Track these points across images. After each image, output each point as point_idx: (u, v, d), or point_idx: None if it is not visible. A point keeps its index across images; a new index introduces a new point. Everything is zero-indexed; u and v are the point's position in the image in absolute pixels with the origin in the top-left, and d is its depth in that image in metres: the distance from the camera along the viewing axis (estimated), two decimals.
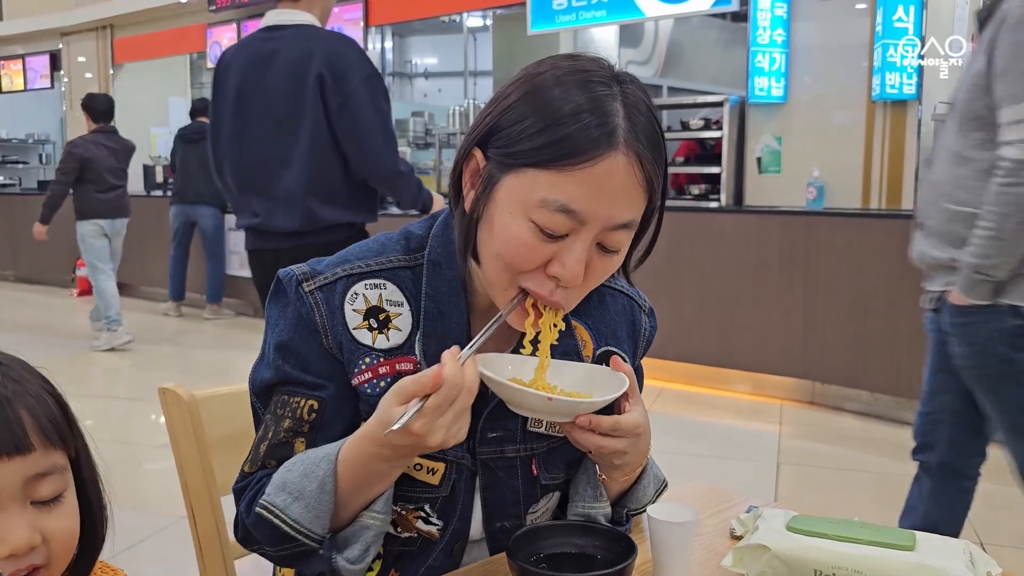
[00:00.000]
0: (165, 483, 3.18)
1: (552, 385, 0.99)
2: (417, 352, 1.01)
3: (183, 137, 6.91)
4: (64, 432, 0.74)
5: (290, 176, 2.68)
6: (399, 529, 1.05)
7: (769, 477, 3.54)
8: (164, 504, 3.02)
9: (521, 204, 0.91)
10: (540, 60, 0.96)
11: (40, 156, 11.93)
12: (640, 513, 1.13)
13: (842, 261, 4.36)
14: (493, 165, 0.94)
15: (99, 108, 6.00)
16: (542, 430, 1.07)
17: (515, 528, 1.06)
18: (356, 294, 1.01)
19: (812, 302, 4.48)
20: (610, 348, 1.12)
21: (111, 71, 9.39)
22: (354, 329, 1.00)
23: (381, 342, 1.00)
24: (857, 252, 4.31)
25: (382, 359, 1.00)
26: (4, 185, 10.49)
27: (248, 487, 1.03)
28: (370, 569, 1.06)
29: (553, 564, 0.96)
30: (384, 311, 1.01)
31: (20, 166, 11.72)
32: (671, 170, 4.88)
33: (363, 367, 1.00)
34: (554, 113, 0.89)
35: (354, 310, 1.01)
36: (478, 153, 0.96)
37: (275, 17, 2.77)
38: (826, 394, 4.56)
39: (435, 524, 1.04)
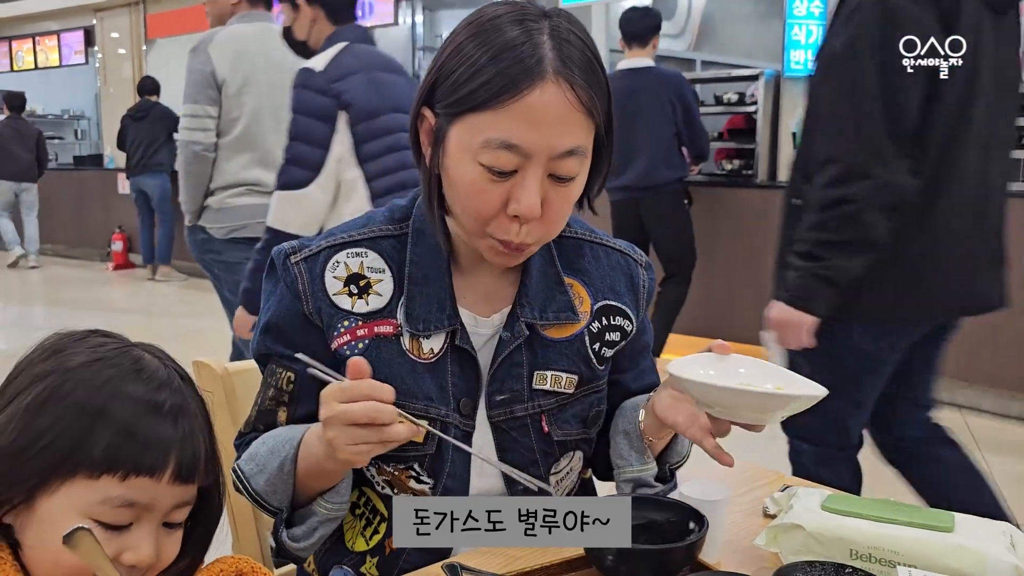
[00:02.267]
0: None
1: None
2: (399, 315, 1.04)
3: (131, 116, 7.62)
4: (213, 468, 0.81)
5: None
6: (395, 490, 1.08)
7: None
8: None
9: (468, 150, 0.94)
10: (471, 12, 0.98)
11: (75, 132, 12.07)
12: (680, 466, 1.15)
13: None
14: (441, 119, 0.97)
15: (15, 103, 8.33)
16: (547, 387, 1.08)
17: (539, 489, 1.07)
18: (338, 262, 1.06)
19: None
20: (609, 302, 1.13)
21: (144, 47, 9.45)
22: (334, 295, 1.05)
23: (360, 307, 1.05)
24: None
25: (360, 322, 1.04)
26: (63, 164, 10.63)
27: (242, 446, 1.10)
28: (376, 532, 1.09)
29: None
30: (365, 278, 1.06)
31: (56, 141, 11.85)
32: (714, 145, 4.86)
33: (342, 330, 1.04)
34: (481, 56, 0.92)
35: (335, 277, 1.05)
36: (427, 112, 0.99)
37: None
38: None
39: (426, 483, 1.07)
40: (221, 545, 0.94)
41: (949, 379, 4.12)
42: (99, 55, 9.99)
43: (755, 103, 5.07)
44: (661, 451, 1.13)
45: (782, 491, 1.13)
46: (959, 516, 0.97)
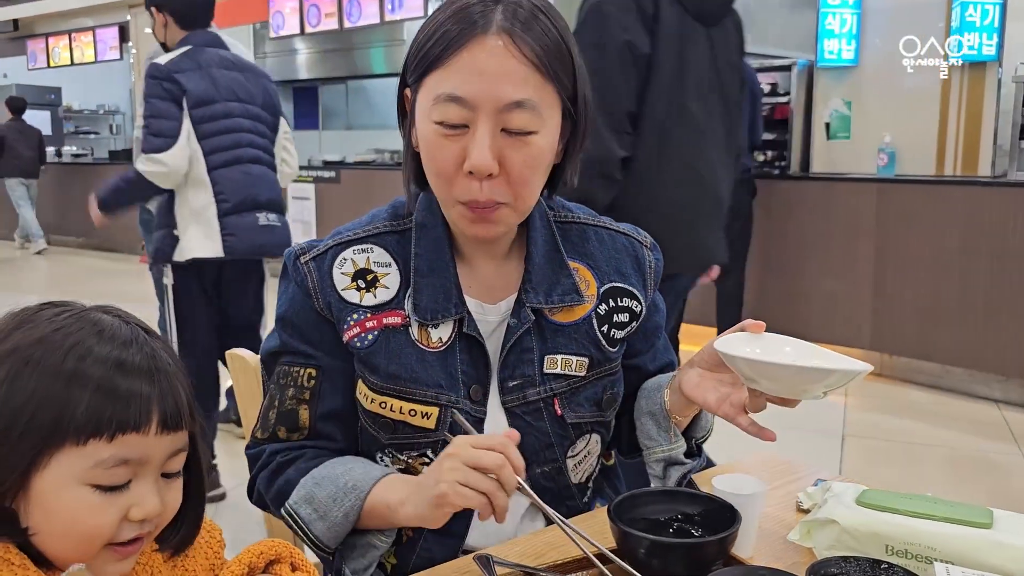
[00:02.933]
0: (232, 446, 3.28)
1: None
2: (407, 307, 1.06)
3: None
4: (195, 412, 0.79)
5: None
6: None
7: (834, 450, 3.47)
8: (230, 465, 3.10)
9: (425, 111, 0.97)
10: None
11: (111, 127, 12.21)
12: (705, 440, 1.16)
13: (913, 229, 4.22)
14: (412, 93, 1.02)
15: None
16: (558, 370, 1.09)
17: (555, 472, 1.09)
18: (344, 259, 1.08)
19: (882, 272, 4.36)
20: (616, 284, 1.13)
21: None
22: (342, 290, 1.07)
23: (368, 300, 1.06)
24: (930, 220, 4.17)
25: (369, 314, 1.06)
26: (76, 155, 10.79)
27: (261, 455, 1.10)
28: None
29: (656, 529, 0.95)
30: (372, 272, 1.07)
31: (91, 136, 12.02)
32: None
33: (352, 323, 1.06)
34: (429, 26, 0.98)
35: (342, 273, 1.07)
36: (407, 92, 1.04)
37: None
38: (895, 366, 4.45)
39: None
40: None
41: (985, 373, 4.06)
42: (133, 51, 10.11)
43: (788, 93, 5.01)
44: (686, 427, 1.14)
45: (816, 485, 1.12)
46: (998, 512, 0.95)
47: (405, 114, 1.05)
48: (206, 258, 2.67)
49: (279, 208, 2.82)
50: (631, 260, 1.16)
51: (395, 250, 1.09)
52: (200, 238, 2.66)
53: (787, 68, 5.07)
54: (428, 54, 0.96)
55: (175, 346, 2.34)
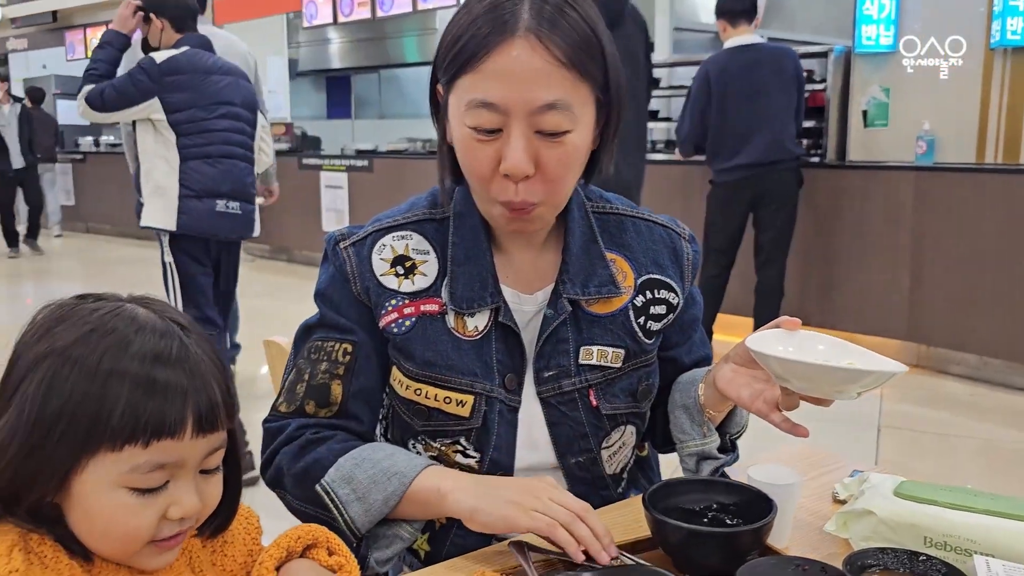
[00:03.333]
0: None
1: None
2: (444, 295, 1.06)
3: None
4: (232, 407, 0.79)
5: None
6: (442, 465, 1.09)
7: (869, 441, 3.44)
8: None
9: (458, 115, 0.97)
10: None
11: None
12: (739, 436, 1.16)
13: (952, 218, 4.15)
14: (444, 91, 1.01)
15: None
16: (593, 361, 1.09)
17: (589, 463, 1.09)
18: (384, 245, 1.09)
19: (919, 261, 4.29)
20: (653, 276, 1.13)
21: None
22: (381, 275, 1.07)
23: (407, 286, 1.07)
24: (969, 209, 4.09)
25: (407, 301, 1.06)
26: (115, 145, 10.94)
27: (285, 429, 1.08)
28: None
29: (689, 519, 0.95)
30: (410, 259, 1.08)
31: None
32: None
33: (389, 308, 1.07)
34: (460, 23, 0.96)
35: (381, 259, 1.08)
36: (439, 87, 1.03)
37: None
38: (931, 357, 4.38)
39: (472, 456, 1.08)
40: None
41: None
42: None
43: (824, 80, 4.93)
44: (720, 422, 1.13)
45: (852, 476, 1.11)
46: None
47: (438, 106, 1.05)
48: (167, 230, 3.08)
49: (244, 197, 3.16)
50: (669, 252, 1.15)
51: (433, 237, 1.09)
52: (159, 210, 3.05)
53: (823, 55, 4.99)
54: (458, 56, 0.95)
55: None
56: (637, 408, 1.13)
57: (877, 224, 4.42)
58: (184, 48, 3.05)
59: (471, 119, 0.95)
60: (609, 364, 1.10)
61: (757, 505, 0.94)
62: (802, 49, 5.43)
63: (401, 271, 1.08)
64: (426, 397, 1.06)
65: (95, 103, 3.05)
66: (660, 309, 1.13)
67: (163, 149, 3.04)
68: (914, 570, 0.87)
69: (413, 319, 1.06)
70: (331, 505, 1.02)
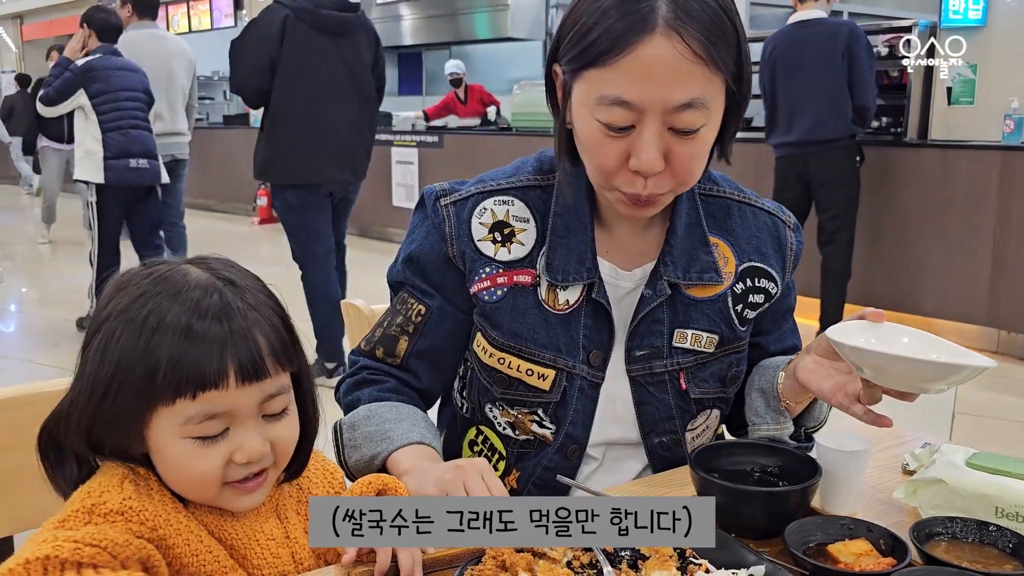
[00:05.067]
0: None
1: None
2: (539, 266, 1.06)
3: None
4: (291, 354, 0.83)
5: None
6: (517, 432, 1.11)
7: (943, 427, 3.36)
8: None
9: (587, 106, 0.95)
10: None
11: (224, 92, 12.64)
12: (816, 430, 1.14)
13: None
14: (566, 75, 0.98)
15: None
16: (687, 345, 1.08)
17: (673, 444, 1.10)
18: (485, 209, 1.09)
19: (1003, 244, 4.15)
20: (755, 264, 1.12)
21: None
22: (479, 240, 1.08)
23: (502, 254, 1.07)
24: None
25: (501, 270, 1.07)
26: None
27: (356, 363, 1.16)
28: (495, 469, 1.12)
29: (735, 480, 0.97)
30: (509, 226, 1.08)
31: (207, 102, 12.46)
32: None
33: (483, 275, 1.07)
34: (595, 12, 0.92)
35: (480, 223, 1.08)
36: (557, 68, 1.00)
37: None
38: (1013, 343, 4.24)
39: (548, 428, 1.10)
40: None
41: None
42: (246, 18, 10.42)
43: (907, 56, 4.78)
44: (799, 414, 1.12)
45: (923, 447, 1.10)
46: None
47: (553, 87, 1.03)
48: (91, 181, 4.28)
49: (149, 155, 4.33)
50: (772, 240, 1.14)
51: (535, 205, 1.09)
52: (91, 169, 4.23)
53: (907, 30, 4.83)
54: (590, 49, 0.92)
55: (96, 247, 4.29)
56: (724, 393, 1.13)
57: (958, 205, 4.28)
58: (97, 55, 4.28)
59: (603, 115, 0.93)
60: (702, 349, 1.10)
61: (803, 468, 0.95)
62: (885, 24, 5.27)
63: (499, 238, 1.08)
64: (508, 367, 1.08)
65: (44, 101, 4.26)
66: (758, 298, 1.12)
67: (91, 126, 4.22)
68: (983, 540, 0.86)
69: (505, 289, 1.07)
70: (336, 443, 1.09)
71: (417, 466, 0.98)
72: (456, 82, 7.71)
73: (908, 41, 4.76)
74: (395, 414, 1.06)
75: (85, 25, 4.38)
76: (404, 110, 9.16)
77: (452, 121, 7.63)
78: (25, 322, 5.55)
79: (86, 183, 4.28)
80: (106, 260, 4.29)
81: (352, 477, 1.07)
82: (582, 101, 0.95)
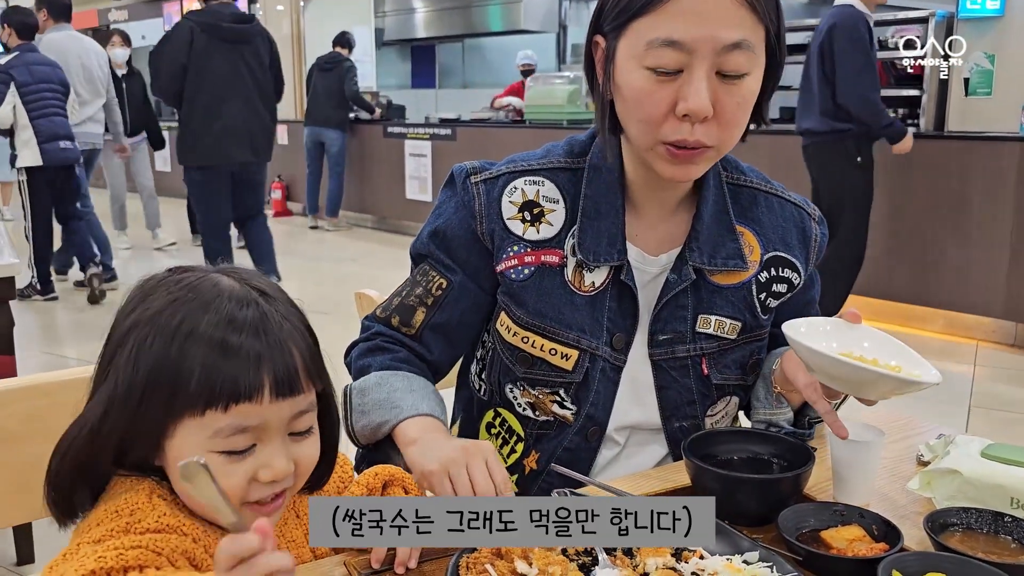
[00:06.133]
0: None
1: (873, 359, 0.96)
2: (567, 247, 1.07)
3: (318, 65, 7.58)
4: (321, 371, 0.81)
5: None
6: (537, 413, 1.12)
7: (959, 420, 3.33)
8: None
9: (635, 58, 0.96)
10: None
11: None
12: (820, 421, 1.13)
13: None
14: (609, 39, 1.00)
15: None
16: (710, 331, 1.09)
17: (693, 428, 1.11)
18: (515, 188, 1.09)
19: (1020, 236, 4.11)
20: (779, 254, 1.12)
21: (302, 2, 9.81)
22: (508, 219, 1.08)
23: (531, 234, 1.08)
24: None
25: (529, 249, 1.07)
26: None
27: (370, 329, 1.15)
28: (513, 451, 1.14)
29: (728, 468, 0.98)
30: (539, 206, 1.09)
31: None
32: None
33: (511, 254, 1.08)
34: None
35: (510, 202, 1.09)
36: (598, 38, 1.02)
37: None
38: None
39: (569, 408, 1.10)
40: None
41: None
42: (260, 12, 10.44)
43: (923, 47, 4.73)
44: (801, 405, 1.12)
45: (938, 438, 1.10)
46: None
47: (592, 63, 1.04)
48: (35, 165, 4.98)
49: (71, 138, 5.08)
50: (797, 231, 1.15)
51: (565, 187, 1.10)
52: (29, 156, 4.91)
53: (924, 20, 4.78)
54: (634, 1, 0.94)
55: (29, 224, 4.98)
56: (744, 380, 1.14)
57: (976, 198, 4.25)
58: (16, 53, 4.99)
59: (652, 59, 0.94)
60: (725, 335, 1.10)
61: (797, 455, 0.96)
62: (901, 15, 5.22)
63: (528, 217, 1.09)
64: (532, 346, 1.08)
65: None
66: (781, 288, 1.13)
67: (23, 117, 4.90)
68: (998, 531, 0.86)
69: (532, 268, 1.08)
70: (344, 407, 1.07)
71: (424, 438, 0.98)
72: (527, 72, 7.66)
73: (924, 32, 4.72)
74: (406, 384, 1.07)
75: (4, 25, 5.07)
76: (417, 103, 9.18)
77: (466, 114, 7.62)
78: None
79: (26, 169, 4.98)
80: (41, 233, 5.09)
81: (356, 442, 1.08)
82: (629, 53, 0.97)
